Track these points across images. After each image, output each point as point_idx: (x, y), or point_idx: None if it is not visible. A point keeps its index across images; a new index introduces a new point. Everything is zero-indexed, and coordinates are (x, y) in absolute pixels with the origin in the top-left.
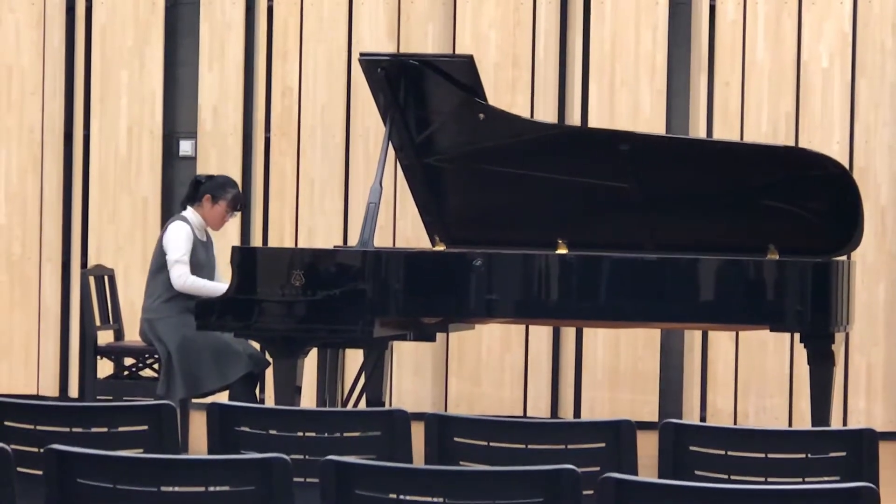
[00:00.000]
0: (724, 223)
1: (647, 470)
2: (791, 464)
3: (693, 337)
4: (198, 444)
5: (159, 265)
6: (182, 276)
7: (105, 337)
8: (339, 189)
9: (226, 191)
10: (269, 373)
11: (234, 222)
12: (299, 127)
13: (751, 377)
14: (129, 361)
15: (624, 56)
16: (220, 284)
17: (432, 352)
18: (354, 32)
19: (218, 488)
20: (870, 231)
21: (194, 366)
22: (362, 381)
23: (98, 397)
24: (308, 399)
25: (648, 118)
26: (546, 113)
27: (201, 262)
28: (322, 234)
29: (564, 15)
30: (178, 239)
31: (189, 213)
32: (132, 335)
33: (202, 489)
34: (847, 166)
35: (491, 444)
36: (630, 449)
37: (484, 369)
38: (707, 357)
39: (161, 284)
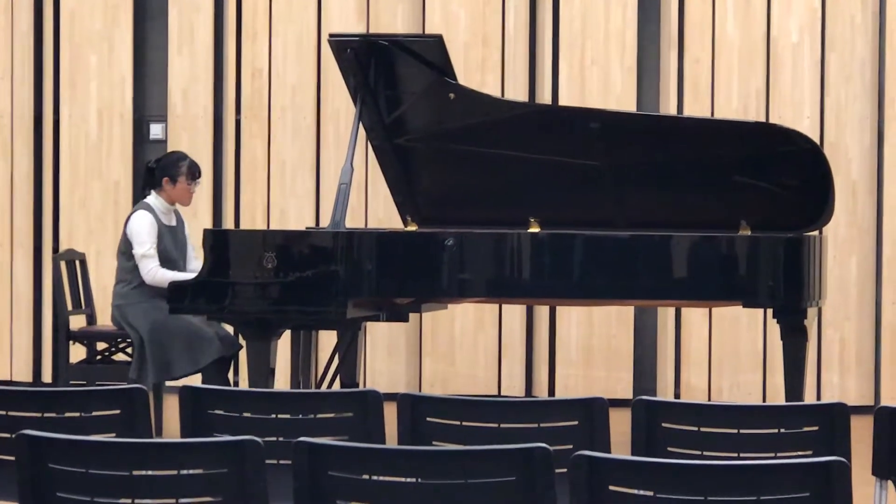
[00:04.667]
0: (695, 200)
1: (621, 447)
2: (764, 439)
3: (666, 314)
4: (172, 426)
5: (126, 253)
6: (152, 272)
7: (77, 322)
8: (311, 170)
9: (179, 167)
10: (242, 355)
11: (205, 205)
12: (270, 109)
13: (724, 353)
14: (101, 346)
15: (594, 34)
16: (188, 275)
17: (405, 332)
18: (324, 13)
19: (190, 472)
20: (841, 206)
21: (166, 351)
22: (336, 362)
23: (71, 382)
24: (282, 381)
25: (619, 96)
26: (516, 92)
27: (168, 249)
28: (294, 215)
29: None
30: (142, 231)
31: (152, 198)
32: (104, 319)
33: (174, 473)
34: (818, 141)
35: (464, 423)
36: (603, 427)
37: (457, 349)
38: (680, 334)
39: (130, 271)
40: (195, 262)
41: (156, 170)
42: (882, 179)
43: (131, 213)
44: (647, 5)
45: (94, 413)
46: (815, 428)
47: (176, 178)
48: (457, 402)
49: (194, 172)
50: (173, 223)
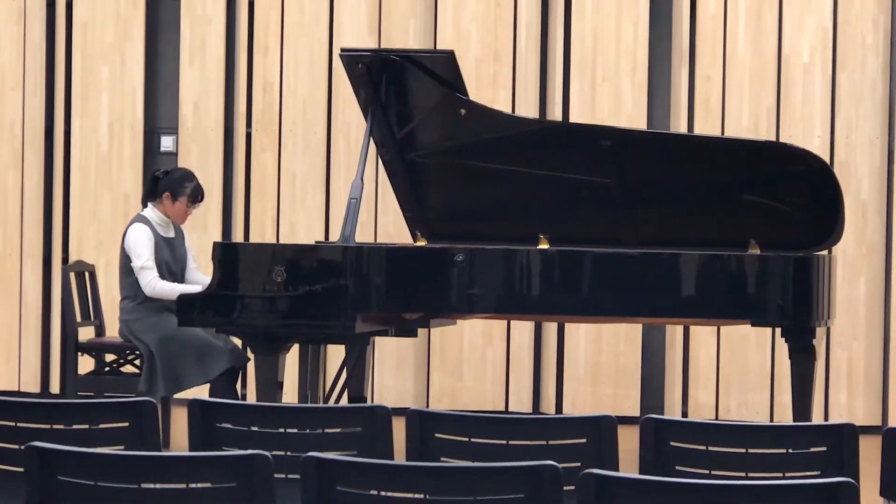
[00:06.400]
0: (705, 218)
1: (629, 465)
2: (772, 459)
3: (675, 332)
4: (180, 439)
5: (127, 268)
6: (151, 283)
7: (86, 333)
8: (321, 184)
9: (184, 186)
10: (250, 368)
11: (215, 218)
12: (280, 122)
13: (732, 372)
14: (110, 357)
15: (605, 51)
16: (189, 287)
17: (414, 347)
18: (336, 27)
19: (199, 485)
20: (850, 225)
21: (176, 363)
22: (344, 376)
23: (79, 393)
24: (290, 395)
25: (630, 113)
26: (527, 108)
27: (166, 261)
28: (303, 229)
29: (545, 9)
30: (139, 243)
31: (149, 210)
32: (113, 331)
33: (183, 486)
34: (828, 161)
35: (472, 439)
36: (611, 444)
37: (466, 364)
38: (689, 352)
39: (133, 286)
40: (195, 273)
41: (161, 181)
42: (892, 199)
43: (128, 227)
44: (659, 23)
45: (103, 425)
46: (824, 448)
47: (177, 197)
48: (465, 418)
49: (196, 196)
50: (171, 234)
